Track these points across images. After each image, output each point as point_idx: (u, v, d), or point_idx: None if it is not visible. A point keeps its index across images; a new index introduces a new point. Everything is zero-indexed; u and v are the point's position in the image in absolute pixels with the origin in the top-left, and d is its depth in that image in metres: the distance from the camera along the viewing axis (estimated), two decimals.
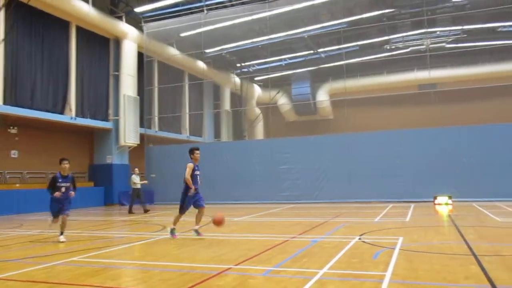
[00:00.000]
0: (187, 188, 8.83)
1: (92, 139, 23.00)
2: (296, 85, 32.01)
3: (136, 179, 16.68)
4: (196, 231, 8.96)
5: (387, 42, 27.90)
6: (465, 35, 26.76)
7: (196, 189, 8.85)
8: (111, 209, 20.08)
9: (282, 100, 33.03)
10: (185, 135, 28.14)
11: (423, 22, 22.40)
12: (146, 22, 23.65)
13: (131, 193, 16.87)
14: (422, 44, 27.31)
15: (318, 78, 31.68)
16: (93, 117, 21.53)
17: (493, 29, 25.83)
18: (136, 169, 17.26)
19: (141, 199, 16.83)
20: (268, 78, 30.43)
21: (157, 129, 25.78)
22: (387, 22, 23.89)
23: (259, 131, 33.24)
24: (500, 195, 16.60)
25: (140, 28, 23.58)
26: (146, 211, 16.51)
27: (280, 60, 30.56)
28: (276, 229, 10.57)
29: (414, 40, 27.72)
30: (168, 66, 26.60)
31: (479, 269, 5.51)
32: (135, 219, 14.50)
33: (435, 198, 16.89)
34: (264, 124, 33.44)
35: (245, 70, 32.40)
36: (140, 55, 23.87)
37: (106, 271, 6.04)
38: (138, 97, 23.35)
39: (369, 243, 7.78)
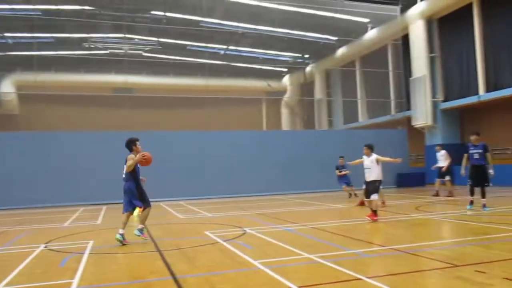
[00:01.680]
0: (135, 182, 7.92)
1: None
2: None
3: None
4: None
5: (86, 40, 27.11)
6: (160, 47, 28.97)
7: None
8: None
9: None
10: None
11: (123, 27, 22.90)
12: None
13: None
14: (121, 49, 27.90)
15: (3, 67, 27.64)
16: None
17: (183, 46, 28.99)
18: None
19: None
20: None
21: None
22: (87, 19, 23.24)
23: None
24: (186, 194, 18.58)
25: None
26: None
27: None
28: None
29: (113, 43, 27.98)
30: None
31: (163, 263, 5.97)
32: None
33: None
34: None
35: None
36: None
37: None
38: None
39: (56, 250, 7.26)
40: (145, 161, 7.92)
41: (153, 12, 24.04)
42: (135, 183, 7.96)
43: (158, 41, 28.03)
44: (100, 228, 10.39)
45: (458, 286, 4.35)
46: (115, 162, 18.29)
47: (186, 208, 14.76)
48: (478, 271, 4.80)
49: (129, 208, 7.91)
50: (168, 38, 27.49)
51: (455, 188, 16.55)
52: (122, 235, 7.59)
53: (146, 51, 29.43)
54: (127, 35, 25.30)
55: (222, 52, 30.37)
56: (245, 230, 8.78)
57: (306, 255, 6.05)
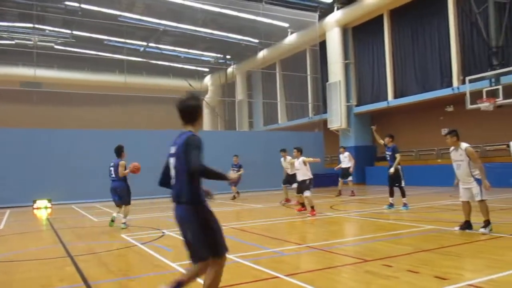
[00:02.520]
0: (125, 182, 9.72)
1: None
2: None
3: None
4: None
5: None
6: (74, 40, 27.32)
7: None
8: None
9: None
10: None
11: (32, 16, 21.27)
12: None
13: None
14: (29, 40, 25.88)
15: None
16: None
17: (100, 41, 27.62)
18: None
19: None
20: None
21: None
22: None
23: None
24: (101, 196, 17.21)
25: None
26: None
27: None
28: None
29: (21, 33, 25.86)
30: None
31: (74, 269, 5.63)
32: None
33: (34, 202, 16.21)
34: None
35: None
36: None
37: None
38: None
39: None
40: (137, 171, 9.43)
41: (67, 3, 22.62)
42: (126, 183, 9.72)
43: (72, 33, 26.43)
44: (2, 234, 9.54)
45: (368, 279, 4.63)
46: (20, 162, 16.97)
47: (101, 211, 14.07)
48: (386, 265, 5.14)
49: (120, 203, 9.72)
50: (83, 31, 26.03)
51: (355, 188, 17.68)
52: (124, 223, 9.51)
53: (58, 44, 27.62)
54: (36, 26, 23.53)
55: (141, 49, 29.46)
56: (163, 232, 8.59)
57: None
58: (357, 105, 23.92)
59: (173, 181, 3.59)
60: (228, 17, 24.33)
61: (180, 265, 5.51)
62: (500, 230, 7.20)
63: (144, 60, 29.56)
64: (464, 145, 7.35)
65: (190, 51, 30.40)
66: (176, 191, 3.54)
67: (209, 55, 32.05)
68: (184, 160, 3.41)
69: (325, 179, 23.09)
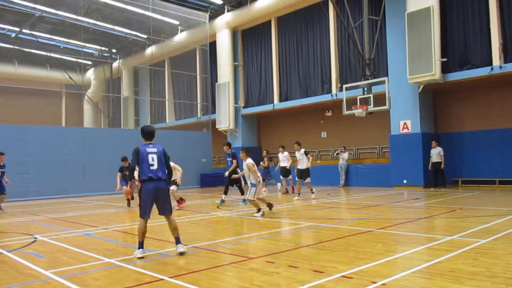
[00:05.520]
0: None
1: None
2: None
3: None
4: None
5: None
6: None
7: None
8: None
9: None
10: None
11: None
12: None
13: None
14: None
15: None
16: None
17: None
18: None
19: None
20: None
21: None
22: None
23: None
24: None
25: None
26: None
27: None
28: None
29: None
30: None
31: None
32: None
33: None
34: None
35: None
36: None
37: None
38: None
39: None
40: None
41: None
42: None
43: None
44: None
45: (252, 276, 4.75)
46: None
47: None
48: (268, 262, 5.33)
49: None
50: None
51: None
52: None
53: None
54: None
55: (13, 34, 26.62)
56: (35, 238, 7.83)
57: (106, 259, 5.74)
58: (244, 107, 24.52)
59: (154, 167, 5.97)
60: (114, 9, 23.15)
61: (55, 272, 5.07)
62: (368, 225, 7.95)
63: (16, 47, 26.77)
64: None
65: (71, 41, 28.28)
66: (161, 173, 6.04)
67: (92, 47, 30.17)
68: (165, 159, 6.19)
69: (212, 179, 23.27)
